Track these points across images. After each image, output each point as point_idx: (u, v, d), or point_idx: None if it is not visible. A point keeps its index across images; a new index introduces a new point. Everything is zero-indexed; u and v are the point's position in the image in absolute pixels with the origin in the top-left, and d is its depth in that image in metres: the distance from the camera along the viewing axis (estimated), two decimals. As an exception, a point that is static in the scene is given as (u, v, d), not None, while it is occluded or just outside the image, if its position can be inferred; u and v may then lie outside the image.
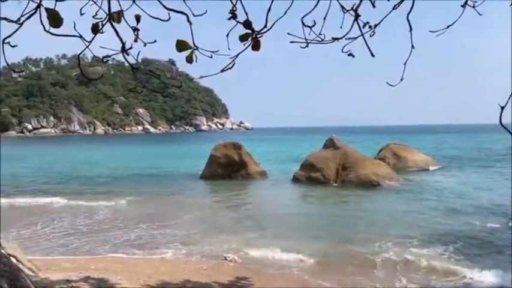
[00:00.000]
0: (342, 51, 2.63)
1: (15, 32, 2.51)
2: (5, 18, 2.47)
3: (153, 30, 2.53)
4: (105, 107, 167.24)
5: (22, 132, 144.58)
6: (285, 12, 2.62)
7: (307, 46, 2.71)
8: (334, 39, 2.53)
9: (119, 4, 2.54)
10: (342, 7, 2.59)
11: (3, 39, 2.51)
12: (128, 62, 2.86)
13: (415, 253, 10.23)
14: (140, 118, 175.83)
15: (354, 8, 2.51)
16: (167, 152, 53.77)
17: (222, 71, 2.65)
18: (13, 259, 5.01)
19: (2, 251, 5.06)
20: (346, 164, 23.03)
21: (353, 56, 2.68)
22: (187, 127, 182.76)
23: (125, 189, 21.48)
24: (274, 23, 2.50)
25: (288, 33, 2.50)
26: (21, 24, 2.49)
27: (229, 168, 25.07)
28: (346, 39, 2.63)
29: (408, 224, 13.60)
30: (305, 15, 2.58)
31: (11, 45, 2.59)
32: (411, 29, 2.55)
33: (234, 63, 2.64)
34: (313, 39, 2.66)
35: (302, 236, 12.27)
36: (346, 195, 19.68)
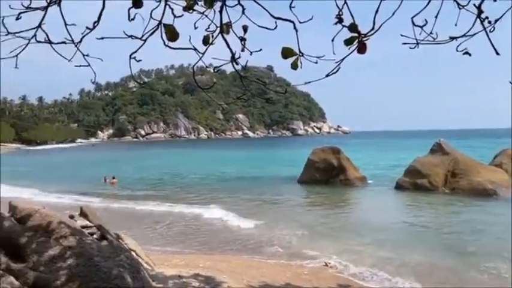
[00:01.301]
0: (457, 50, 2.45)
1: (140, 48, 2.78)
2: (131, 36, 2.75)
3: (250, 38, 2.60)
4: (208, 113, 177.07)
5: (136, 137, 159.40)
6: (393, 13, 2.52)
7: (417, 47, 2.58)
8: (452, 38, 2.37)
9: (228, 16, 2.68)
10: (458, 4, 2.41)
11: (130, 55, 2.80)
12: (237, 71, 3.01)
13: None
14: (240, 123, 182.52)
15: (477, 4, 2.31)
16: (265, 156, 54.89)
17: (327, 75, 2.63)
18: (133, 253, 5.53)
19: (124, 246, 5.63)
20: (456, 170, 21.27)
21: (469, 55, 2.48)
22: (285, 131, 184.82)
23: (224, 193, 22.34)
24: (381, 25, 2.43)
25: (402, 35, 2.40)
26: (145, 41, 2.75)
27: (327, 173, 24.74)
28: (462, 37, 2.46)
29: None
30: (416, 15, 2.46)
31: (136, 60, 2.88)
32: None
33: (339, 68, 2.62)
34: (423, 39, 2.53)
35: (407, 246, 11.58)
36: (457, 205, 18.09)
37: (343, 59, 2.59)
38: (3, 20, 2.45)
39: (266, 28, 2.62)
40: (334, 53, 2.60)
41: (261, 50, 2.79)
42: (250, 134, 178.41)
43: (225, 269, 7.54)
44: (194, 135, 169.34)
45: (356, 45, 2.44)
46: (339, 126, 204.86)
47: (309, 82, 2.93)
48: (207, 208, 17.54)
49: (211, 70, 3.01)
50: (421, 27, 2.46)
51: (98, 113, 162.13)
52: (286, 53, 2.55)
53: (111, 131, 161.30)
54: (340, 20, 2.47)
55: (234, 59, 2.72)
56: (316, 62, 2.56)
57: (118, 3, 2.62)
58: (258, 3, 2.48)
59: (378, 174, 28.54)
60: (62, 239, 4.78)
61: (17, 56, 2.73)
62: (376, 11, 2.45)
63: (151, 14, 2.53)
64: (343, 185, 24.03)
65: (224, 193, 22.22)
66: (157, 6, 2.54)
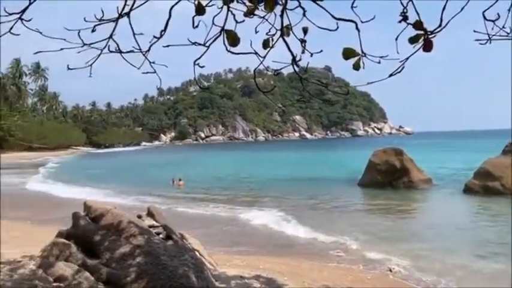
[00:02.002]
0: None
1: (203, 54, 2.88)
2: (195, 43, 2.85)
3: (308, 39, 2.59)
4: (265, 116, 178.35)
5: (197, 139, 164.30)
6: (462, 9, 2.41)
7: (489, 42, 2.44)
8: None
9: (288, 19, 2.70)
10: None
11: (194, 61, 2.90)
12: (297, 73, 3.01)
13: None
14: (297, 125, 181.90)
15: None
16: (323, 158, 54.20)
17: (391, 75, 2.56)
18: (197, 253, 5.70)
19: (188, 245, 5.82)
20: (534, 172, 19.69)
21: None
22: (343, 132, 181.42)
23: (282, 196, 22.29)
24: (449, 21, 2.33)
25: (474, 31, 2.29)
26: (208, 47, 2.84)
27: (389, 176, 23.91)
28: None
29: None
30: (487, 8, 2.33)
31: (200, 66, 2.98)
32: None
33: (404, 67, 2.53)
34: (495, 34, 2.39)
35: (476, 254, 10.89)
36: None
37: (407, 58, 2.52)
38: (79, 32, 2.64)
39: (327, 29, 2.61)
40: (398, 52, 2.54)
41: (321, 51, 2.78)
42: (308, 135, 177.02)
43: (285, 271, 7.55)
44: (252, 137, 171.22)
45: (422, 43, 2.37)
46: (400, 127, 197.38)
47: (372, 82, 2.86)
48: (267, 211, 17.65)
49: (270, 73, 3.04)
50: (493, 21, 2.33)
51: (161, 117, 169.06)
52: (348, 53, 2.51)
53: (173, 134, 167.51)
54: (405, 18, 2.40)
55: (295, 61, 2.73)
56: (379, 62, 2.51)
57: (180, 12, 2.73)
58: (319, 5, 2.47)
59: (444, 176, 27.15)
60: (131, 237, 5.05)
61: (91, 65, 2.94)
62: (444, 8, 2.36)
63: (213, 21, 2.61)
64: (406, 188, 23.10)
65: (282, 195, 22.22)
66: (219, 13, 2.62)
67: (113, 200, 19.55)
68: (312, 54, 2.67)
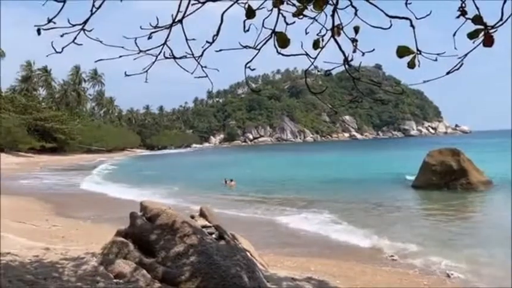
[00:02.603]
0: None
1: (254, 57, 2.92)
2: (246, 46, 2.89)
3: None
4: (313, 116, 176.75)
5: (245, 141, 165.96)
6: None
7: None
8: None
9: (339, 18, 2.67)
10: None
11: (245, 64, 2.95)
12: (349, 73, 2.97)
13: None
14: (347, 125, 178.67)
15: None
16: (375, 158, 52.85)
17: (448, 73, 2.47)
18: (248, 254, 5.77)
19: (240, 246, 5.90)
20: None
21: None
22: (395, 132, 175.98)
23: (334, 198, 21.93)
24: (510, 16, 2.21)
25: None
26: (259, 50, 2.87)
27: (446, 177, 22.86)
28: None
29: None
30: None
31: (251, 69, 3.02)
32: None
33: (462, 64, 2.44)
34: None
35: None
36: None
37: (467, 54, 2.43)
38: (136, 40, 2.76)
39: (381, 28, 2.56)
40: (455, 48, 2.46)
41: (373, 50, 2.74)
42: (358, 135, 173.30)
43: (337, 273, 7.44)
44: (300, 138, 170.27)
45: (481, 38, 2.29)
46: (457, 126, 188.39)
47: (428, 81, 2.77)
48: (317, 213, 17.46)
49: (319, 73, 3.02)
50: None
51: (210, 120, 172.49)
52: (402, 51, 2.46)
53: (222, 136, 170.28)
54: (463, 13, 2.32)
55: (346, 61, 2.70)
56: (436, 60, 2.43)
57: (230, 15, 2.78)
58: (372, 3, 2.43)
59: (505, 178, 25.57)
60: (185, 237, 5.19)
61: (146, 71, 3.07)
62: (505, 1, 2.26)
63: (263, 23, 2.64)
64: (464, 190, 21.98)
65: (333, 198, 21.88)
66: (269, 15, 2.64)
67: (167, 200, 20.17)
68: (363, 54, 2.64)
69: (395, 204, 19.47)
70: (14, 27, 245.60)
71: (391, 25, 2.51)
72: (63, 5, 2.52)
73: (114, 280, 4.72)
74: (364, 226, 14.45)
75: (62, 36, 2.60)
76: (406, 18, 2.43)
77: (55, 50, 2.58)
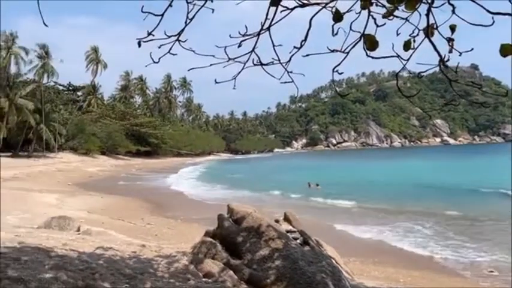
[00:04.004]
0: None
1: (342, 60, 2.87)
2: (333, 50, 2.86)
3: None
4: (401, 120, 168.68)
5: (328, 146, 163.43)
6: None
7: None
8: None
9: (433, 17, 2.53)
10: None
11: (333, 68, 2.91)
12: (445, 75, 2.80)
13: None
14: (438, 129, 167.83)
15: None
16: (472, 165, 48.82)
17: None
18: (333, 261, 5.66)
19: (325, 252, 5.81)
20: None
21: None
22: (494, 137, 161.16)
23: (426, 207, 20.62)
24: None
25: None
26: (347, 54, 2.82)
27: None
28: None
29: None
30: None
31: (338, 73, 2.98)
32: None
33: None
34: None
35: None
36: None
37: None
38: (225, 48, 2.87)
39: (481, 25, 2.41)
40: None
41: (472, 49, 2.58)
42: (451, 141, 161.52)
43: (427, 286, 6.99)
44: (386, 143, 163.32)
45: None
46: None
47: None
48: (408, 222, 16.61)
49: (406, 75, 2.89)
50: None
51: (293, 124, 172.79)
52: (507, 50, 2.27)
53: (304, 140, 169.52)
54: None
55: (442, 62, 2.55)
56: (548, 57, 2.21)
57: (318, 21, 2.78)
58: (473, 0, 2.27)
59: None
60: (270, 241, 5.25)
61: (235, 78, 3.17)
62: None
63: (350, 26, 2.59)
64: None
65: (426, 207, 20.51)
66: (357, 18, 2.59)
67: (251, 202, 20.59)
68: (460, 54, 2.49)
69: (494, 216, 17.83)
70: (114, 41, 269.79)
71: (493, 21, 2.34)
72: (161, 19, 2.70)
73: (203, 279, 4.92)
74: (459, 238, 13.49)
75: (159, 47, 2.80)
76: (510, 14, 2.26)
77: (153, 60, 2.78)
